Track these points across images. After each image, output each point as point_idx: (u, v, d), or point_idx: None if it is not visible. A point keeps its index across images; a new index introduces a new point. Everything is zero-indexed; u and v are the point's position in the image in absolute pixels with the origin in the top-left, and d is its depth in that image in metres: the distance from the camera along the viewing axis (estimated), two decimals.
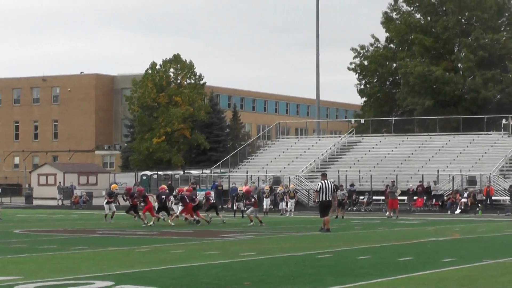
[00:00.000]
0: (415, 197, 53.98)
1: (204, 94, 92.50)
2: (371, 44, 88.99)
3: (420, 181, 55.17)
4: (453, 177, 55.30)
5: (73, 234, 29.33)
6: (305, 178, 60.16)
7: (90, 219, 40.96)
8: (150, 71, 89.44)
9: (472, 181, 55.28)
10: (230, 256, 19.37)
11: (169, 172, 77.15)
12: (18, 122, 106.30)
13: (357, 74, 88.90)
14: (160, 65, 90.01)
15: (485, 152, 60.73)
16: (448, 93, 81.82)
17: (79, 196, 63.85)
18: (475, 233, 29.67)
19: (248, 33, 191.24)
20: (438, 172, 56.91)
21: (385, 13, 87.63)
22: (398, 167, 60.15)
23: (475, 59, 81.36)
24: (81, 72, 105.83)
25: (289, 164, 64.40)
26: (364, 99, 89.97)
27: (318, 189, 29.82)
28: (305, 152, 67.15)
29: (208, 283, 14.58)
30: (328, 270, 16.51)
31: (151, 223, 34.29)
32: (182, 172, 74.56)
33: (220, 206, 54.64)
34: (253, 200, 35.90)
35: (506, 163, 58.87)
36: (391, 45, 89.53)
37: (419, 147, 64.36)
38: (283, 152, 68.39)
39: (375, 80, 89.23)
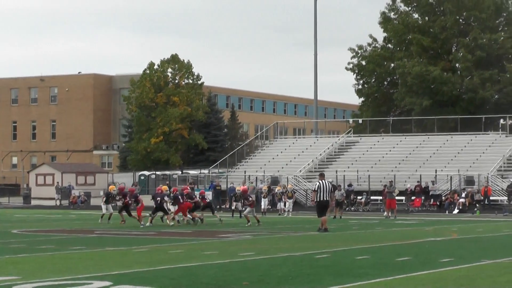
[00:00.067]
0: (413, 197, 54.03)
1: (202, 94, 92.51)
2: (369, 44, 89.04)
3: (418, 181, 55.20)
4: (451, 177, 55.34)
5: (71, 234, 29.30)
6: (303, 178, 60.18)
7: (88, 219, 40.94)
8: (148, 71, 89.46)
9: (470, 181, 55.31)
10: (228, 256, 19.37)
11: (167, 172, 77.17)
12: (16, 122, 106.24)
13: (355, 74, 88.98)
14: (158, 65, 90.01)
15: (483, 152, 60.78)
16: (446, 93, 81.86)
17: (77, 196, 63.86)
18: (473, 233, 29.68)
19: (246, 33, 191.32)
20: (436, 172, 56.95)
21: (383, 13, 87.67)
22: (396, 167, 60.18)
23: (473, 59, 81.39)
24: (79, 72, 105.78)
25: (287, 164, 64.41)
26: (362, 99, 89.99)
27: (315, 189, 29.84)
28: (303, 152, 67.17)
29: (207, 283, 14.58)
30: (327, 270, 16.52)
31: (148, 223, 34.28)
32: (180, 172, 74.60)
33: (218, 206, 54.78)
34: (250, 199, 35.92)
35: (504, 163, 58.93)
36: (389, 45, 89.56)
37: (417, 147, 64.41)
38: (281, 152, 68.41)
39: (373, 80, 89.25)
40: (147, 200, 39.56)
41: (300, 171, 62.08)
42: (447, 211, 50.55)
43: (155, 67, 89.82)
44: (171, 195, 35.95)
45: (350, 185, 55.93)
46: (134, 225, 33.94)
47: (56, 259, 19.26)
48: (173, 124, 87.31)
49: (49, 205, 65.53)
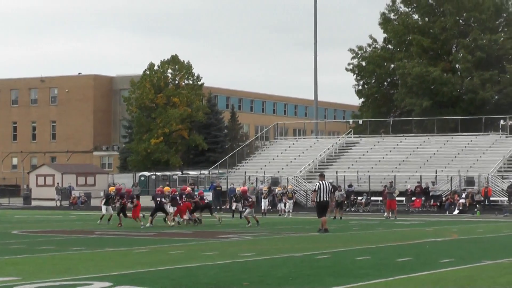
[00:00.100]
0: (413, 198, 54.02)
1: (202, 95, 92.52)
2: (369, 45, 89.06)
3: (418, 182, 55.19)
4: (451, 177, 55.33)
5: (72, 235, 29.30)
6: (303, 179, 60.17)
7: (88, 220, 40.93)
8: (148, 72, 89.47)
9: (470, 181, 55.30)
10: (228, 257, 19.37)
11: (167, 173, 77.16)
12: (16, 123, 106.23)
13: (355, 75, 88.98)
14: (158, 66, 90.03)
15: (483, 153, 60.78)
16: (446, 94, 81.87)
17: (77, 197, 63.85)
18: (473, 234, 29.68)
19: (246, 34, 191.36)
20: (436, 173, 56.94)
21: (383, 14, 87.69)
22: (396, 167, 60.18)
23: (473, 60, 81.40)
24: (79, 73, 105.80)
25: (287, 165, 64.40)
26: (362, 99, 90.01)
27: (316, 189, 29.83)
28: (303, 152, 67.17)
29: (207, 284, 14.58)
30: (327, 271, 16.52)
31: (148, 224, 34.26)
32: (180, 173, 74.58)
33: (218, 207, 54.79)
34: (250, 200, 35.89)
35: (504, 164, 58.93)
36: (389, 46, 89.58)
37: (417, 147, 64.41)
38: (281, 152, 68.41)
39: (373, 81, 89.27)
40: (146, 201, 39.59)
41: (300, 171, 62.08)
42: (447, 212, 50.54)
43: (155, 67, 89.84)
44: (170, 196, 35.86)
45: (350, 186, 55.93)
46: (134, 226, 33.93)
47: (56, 259, 19.26)
48: (173, 125, 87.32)
49: (49, 206, 65.52)
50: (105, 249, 22.42)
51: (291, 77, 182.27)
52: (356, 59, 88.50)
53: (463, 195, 52.18)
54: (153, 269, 16.88)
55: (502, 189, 53.35)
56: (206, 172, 69.25)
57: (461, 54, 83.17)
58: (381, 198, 51.54)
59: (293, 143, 71.54)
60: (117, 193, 36.71)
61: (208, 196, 55.15)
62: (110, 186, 43.69)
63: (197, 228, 33.58)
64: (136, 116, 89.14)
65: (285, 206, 47.31)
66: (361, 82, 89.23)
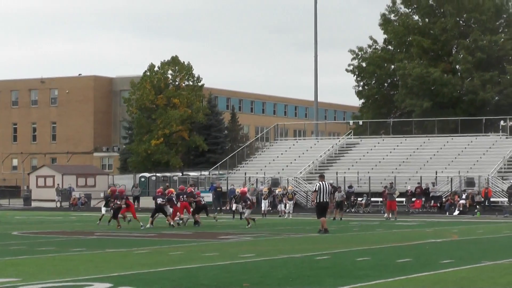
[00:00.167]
0: (413, 199, 54.01)
1: (202, 96, 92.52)
2: (369, 46, 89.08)
3: (418, 183, 55.19)
4: (451, 178, 55.34)
5: (72, 236, 29.31)
6: (304, 180, 60.17)
7: (88, 221, 40.93)
8: (148, 73, 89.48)
9: (470, 182, 55.32)
10: (228, 258, 19.38)
11: (168, 174, 77.18)
12: (17, 124, 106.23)
13: (355, 76, 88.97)
14: (158, 67, 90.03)
15: (483, 154, 60.79)
16: (446, 95, 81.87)
17: (78, 198, 63.87)
18: (473, 235, 29.69)
19: (246, 35, 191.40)
20: (436, 174, 56.95)
21: (383, 15, 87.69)
22: (396, 168, 60.18)
23: (473, 60, 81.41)
24: (79, 74, 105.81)
25: (287, 166, 64.41)
26: (362, 100, 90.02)
27: (316, 189, 29.83)
28: (303, 153, 67.19)
29: (207, 285, 14.59)
30: (327, 272, 16.53)
31: (148, 225, 34.26)
32: (181, 174, 74.59)
33: (218, 208, 54.81)
34: (248, 202, 35.83)
35: (504, 165, 58.92)
36: (389, 47, 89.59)
37: (417, 148, 64.42)
38: (282, 153, 68.42)
39: (373, 81, 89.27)
40: (147, 202, 39.58)
41: (301, 172, 62.09)
42: (447, 213, 50.54)
43: (156, 69, 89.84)
44: (166, 197, 35.75)
45: (350, 187, 55.94)
46: (134, 227, 33.92)
47: (56, 261, 19.27)
48: (174, 126, 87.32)
49: (49, 207, 65.52)
50: (105, 250, 22.43)
51: (292, 78, 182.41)
52: (357, 60, 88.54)
53: (463, 196, 52.18)
54: (153, 270, 16.89)
55: (502, 190, 53.35)
56: (206, 173, 69.27)
57: (461, 55, 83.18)
58: (381, 199, 51.58)
59: (293, 144, 71.56)
60: (112, 194, 36.66)
61: (208, 197, 55.32)
62: (111, 187, 43.71)
63: (197, 229, 33.57)
64: (136, 117, 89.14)
65: (285, 207, 47.32)
66: (361, 83, 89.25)
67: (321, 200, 29.55)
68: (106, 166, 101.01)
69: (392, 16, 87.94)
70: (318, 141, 71.51)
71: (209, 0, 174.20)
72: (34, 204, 68.65)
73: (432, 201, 53.82)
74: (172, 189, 39.60)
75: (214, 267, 17.52)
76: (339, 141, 70.49)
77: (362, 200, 54.80)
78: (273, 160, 67.06)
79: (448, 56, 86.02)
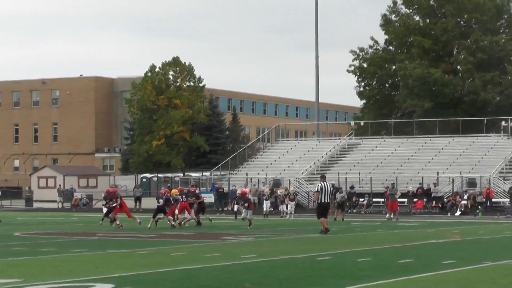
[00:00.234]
0: (415, 199, 53.98)
1: (204, 97, 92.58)
2: (370, 46, 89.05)
3: (420, 183, 55.18)
4: (453, 179, 55.33)
5: (73, 237, 29.31)
6: (305, 180, 60.16)
7: (90, 222, 40.94)
8: (149, 74, 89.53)
9: (472, 183, 55.31)
10: (230, 259, 19.38)
11: (169, 175, 77.25)
12: (18, 125, 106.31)
13: (356, 76, 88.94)
14: (160, 68, 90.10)
15: (485, 154, 60.77)
16: (448, 95, 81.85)
17: (79, 198, 63.87)
18: (475, 235, 29.69)
19: (247, 35, 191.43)
20: (438, 174, 56.92)
21: (384, 16, 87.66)
22: (398, 169, 60.18)
23: (474, 61, 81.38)
24: (80, 75, 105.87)
25: (289, 167, 64.41)
26: (364, 101, 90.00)
27: (318, 190, 29.78)
28: (304, 154, 67.19)
29: (208, 286, 14.60)
30: (328, 273, 16.53)
31: (149, 225, 34.27)
32: (182, 175, 74.65)
33: (220, 208, 54.84)
34: (246, 204, 35.69)
35: (506, 165, 58.90)
36: (390, 47, 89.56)
37: (418, 149, 64.40)
38: (283, 154, 68.41)
39: (375, 82, 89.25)
40: (148, 202, 39.57)
41: (302, 173, 62.08)
42: (449, 213, 50.53)
43: (157, 69, 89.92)
44: (163, 197, 35.72)
45: (352, 187, 55.93)
46: (133, 228, 33.92)
47: (58, 261, 19.28)
48: (175, 127, 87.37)
49: (51, 207, 65.52)
50: (106, 251, 22.44)
51: (293, 79, 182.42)
52: (358, 61, 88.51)
53: (465, 197, 52.17)
54: (155, 270, 16.90)
55: (504, 191, 53.33)
56: (207, 173, 69.29)
57: (462, 56, 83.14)
58: (383, 200, 51.56)
59: (295, 145, 71.56)
60: (107, 195, 36.67)
61: (210, 198, 55.36)
62: (106, 188, 43.71)
63: (199, 229, 33.58)
64: (138, 118, 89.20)
65: (287, 207, 47.32)
66: (363, 84, 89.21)
67: (323, 201, 29.53)
68: (107, 167, 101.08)
69: (393, 17, 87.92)
70: (319, 142, 71.50)
71: (211, 0, 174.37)
72: (35, 205, 68.67)
73: (434, 202, 53.81)
74: (167, 189, 39.63)
75: (215, 267, 17.53)
76: (341, 141, 70.46)
77: (363, 200, 54.81)
78: (275, 160, 67.05)
79: (449, 56, 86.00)
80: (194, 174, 73.47)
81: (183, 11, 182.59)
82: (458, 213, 50.26)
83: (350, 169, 61.66)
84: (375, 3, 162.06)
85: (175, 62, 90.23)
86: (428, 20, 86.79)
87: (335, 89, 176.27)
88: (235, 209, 43.56)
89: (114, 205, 35.19)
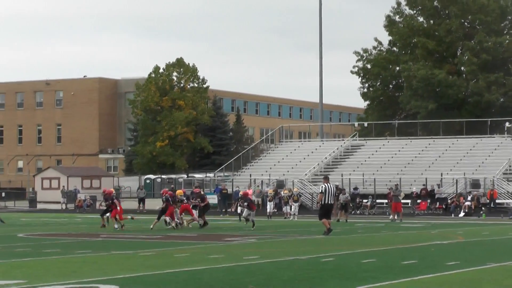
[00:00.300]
0: (418, 201, 53.96)
1: (207, 98, 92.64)
2: (374, 48, 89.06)
3: (423, 185, 55.16)
4: (456, 180, 55.29)
5: (77, 238, 29.32)
6: (309, 182, 60.15)
7: (93, 223, 40.92)
8: (153, 75, 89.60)
9: (475, 184, 55.26)
10: (233, 260, 19.37)
11: (173, 176, 77.28)
12: (22, 126, 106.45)
13: (360, 78, 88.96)
14: (163, 69, 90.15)
15: (489, 155, 60.72)
16: (451, 97, 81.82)
17: (83, 199, 63.92)
18: (479, 236, 29.65)
19: (251, 36, 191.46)
20: (441, 176, 56.88)
21: (388, 17, 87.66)
22: (401, 170, 60.13)
23: (478, 62, 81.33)
24: (84, 76, 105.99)
25: (292, 168, 64.41)
26: (367, 102, 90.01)
27: (322, 191, 29.72)
28: (308, 155, 67.17)
29: (212, 287, 14.59)
30: (332, 274, 16.52)
31: (151, 226, 34.24)
32: (186, 176, 74.67)
33: (224, 210, 54.83)
34: (246, 204, 35.64)
35: (510, 166, 58.83)
36: (394, 49, 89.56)
37: (422, 150, 64.37)
38: (287, 155, 68.41)
39: (378, 83, 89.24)
40: (152, 204, 39.56)
41: (306, 174, 62.06)
42: (453, 215, 50.49)
43: (161, 70, 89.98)
44: (163, 197, 35.67)
45: (356, 189, 55.91)
46: (134, 229, 33.93)
47: (61, 263, 19.29)
48: (179, 128, 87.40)
49: (54, 209, 65.57)
50: (110, 252, 22.44)
51: (296, 80, 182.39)
52: (361, 62, 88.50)
53: (469, 198, 52.13)
54: (158, 272, 16.90)
55: (508, 192, 53.33)
56: (211, 175, 69.32)
57: (466, 57, 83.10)
58: (386, 201, 51.51)
59: (298, 146, 71.55)
60: (103, 195, 36.65)
61: (214, 199, 55.35)
62: (103, 189, 43.72)
63: (202, 231, 33.58)
64: (142, 119, 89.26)
65: (290, 209, 47.31)
66: (366, 85, 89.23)
67: (326, 202, 29.50)
68: (111, 168, 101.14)
69: (397, 18, 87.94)
70: (323, 143, 71.50)
71: (214, 2, 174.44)
72: (39, 206, 68.72)
73: (438, 203, 53.78)
74: (165, 189, 39.62)
75: (219, 269, 17.53)
76: (344, 143, 70.46)
77: (367, 202, 54.77)
78: (278, 162, 67.05)
79: (453, 57, 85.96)
80: (197, 175, 73.49)
81: (187, 12, 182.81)
82: (462, 214, 50.23)
83: (354, 170, 61.65)
84: (379, 4, 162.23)
85: (179, 63, 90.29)
86: (432, 21, 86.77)
87: (339, 90, 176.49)
88: (239, 210, 43.52)
89: (106, 203, 35.38)
